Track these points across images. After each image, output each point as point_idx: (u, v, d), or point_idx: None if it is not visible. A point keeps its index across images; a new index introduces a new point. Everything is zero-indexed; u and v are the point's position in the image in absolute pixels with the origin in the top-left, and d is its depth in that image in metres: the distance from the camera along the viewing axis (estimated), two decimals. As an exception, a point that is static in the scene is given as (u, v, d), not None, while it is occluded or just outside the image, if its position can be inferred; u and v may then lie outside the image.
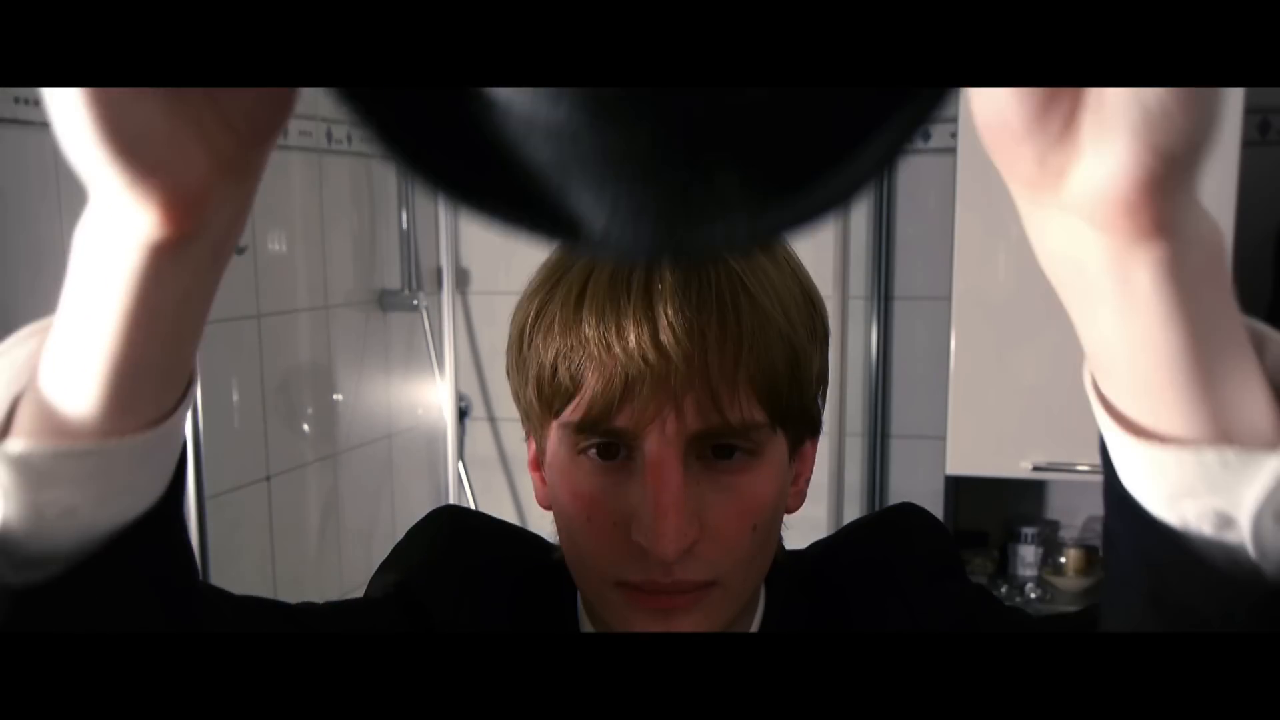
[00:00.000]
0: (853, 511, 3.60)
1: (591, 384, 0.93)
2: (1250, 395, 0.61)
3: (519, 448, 1.09)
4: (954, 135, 3.00)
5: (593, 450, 0.96)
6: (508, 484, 3.94)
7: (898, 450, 3.62)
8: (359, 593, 1.15)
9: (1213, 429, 0.60)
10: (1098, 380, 0.64)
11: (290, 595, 3.18)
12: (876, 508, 3.64)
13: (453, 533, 1.17)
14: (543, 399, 0.98)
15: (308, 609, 1.05)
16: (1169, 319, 0.58)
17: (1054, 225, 0.59)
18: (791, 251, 1.03)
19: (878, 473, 3.63)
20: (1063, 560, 3.40)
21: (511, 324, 1.02)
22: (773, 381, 0.94)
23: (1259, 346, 0.63)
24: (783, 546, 1.12)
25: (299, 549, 3.15)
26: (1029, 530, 3.44)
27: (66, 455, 0.63)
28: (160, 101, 0.54)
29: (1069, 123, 0.53)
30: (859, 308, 3.49)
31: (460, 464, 3.73)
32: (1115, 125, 0.52)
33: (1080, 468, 2.92)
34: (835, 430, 3.36)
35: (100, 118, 0.53)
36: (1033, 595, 3.32)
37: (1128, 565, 0.68)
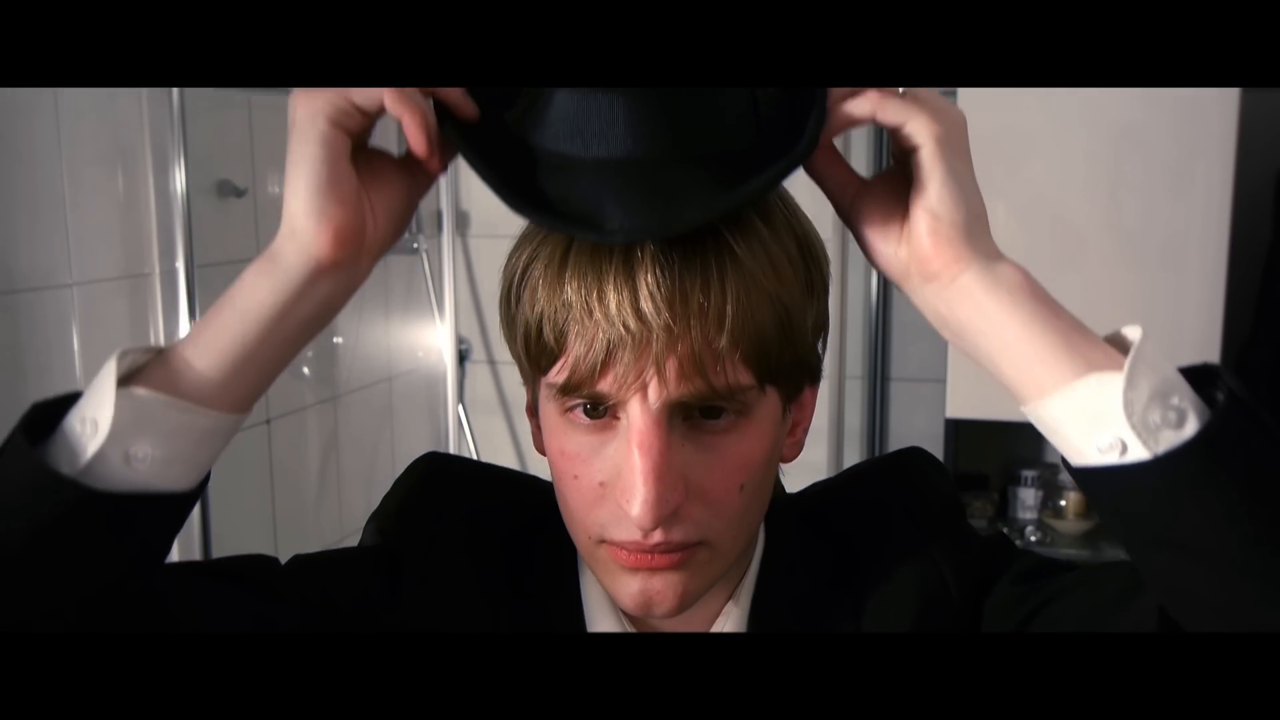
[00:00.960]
0: (853, 455, 3.61)
1: (574, 347, 0.93)
2: (1095, 349, 0.87)
3: (519, 391, 1.09)
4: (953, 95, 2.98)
5: (578, 409, 0.96)
6: (508, 427, 3.94)
7: (898, 393, 3.62)
8: (358, 535, 1.16)
9: (1079, 373, 0.86)
10: (1020, 403, 0.91)
11: (290, 537, 3.17)
12: (877, 451, 3.64)
13: (428, 480, 1.17)
14: (530, 356, 0.98)
15: (271, 576, 1.05)
16: (1009, 312, 0.89)
17: (928, 302, 0.92)
18: (791, 202, 1.02)
19: (878, 416, 3.63)
20: (1063, 503, 3.41)
21: (501, 277, 1.02)
22: (760, 344, 0.94)
23: (1115, 340, 0.89)
24: (781, 487, 1.12)
25: (299, 492, 3.16)
26: (1029, 473, 3.45)
27: (171, 406, 0.88)
28: (361, 179, 0.92)
29: (900, 236, 0.92)
30: (858, 260, 3.49)
31: (460, 407, 3.73)
32: (913, 216, 0.91)
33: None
34: (835, 374, 3.37)
35: (329, 173, 0.89)
36: (1033, 538, 3.33)
37: (1111, 527, 0.89)
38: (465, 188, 3.72)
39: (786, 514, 1.13)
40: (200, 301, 2.57)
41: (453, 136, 0.92)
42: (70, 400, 0.89)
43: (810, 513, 1.15)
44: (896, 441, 3.65)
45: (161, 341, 2.58)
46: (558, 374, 0.95)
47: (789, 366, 0.98)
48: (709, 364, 0.91)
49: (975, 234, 0.90)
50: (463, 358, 3.82)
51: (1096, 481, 0.86)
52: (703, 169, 0.90)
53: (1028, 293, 0.90)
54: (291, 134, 0.91)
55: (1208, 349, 2.91)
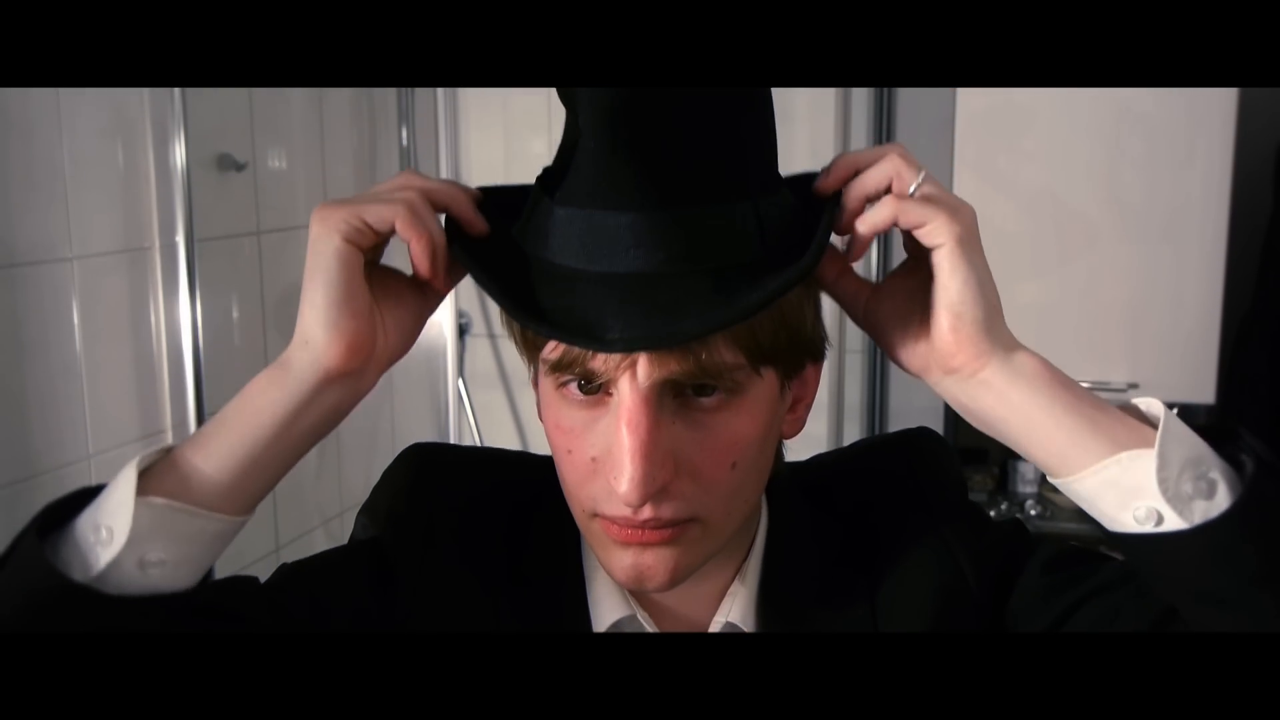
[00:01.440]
0: (853, 428, 3.61)
1: None
2: (1118, 425, 0.92)
3: (519, 364, 1.10)
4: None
5: (572, 385, 0.96)
6: (507, 400, 3.94)
7: (898, 368, 3.61)
8: (357, 509, 1.16)
9: (1107, 452, 0.91)
10: (1051, 477, 0.96)
11: (290, 511, 3.17)
12: (877, 425, 3.64)
13: (417, 474, 1.17)
14: (526, 335, 0.99)
15: (243, 601, 1.04)
16: (1032, 400, 0.93)
17: (949, 392, 0.97)
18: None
19: (878, 390, 3.63)
20: (1062, 477, 3.40)
21: None
22: (750, 326, 0.94)
23: (1129, 410, 0.95)
24: (782, 459, 1.12)
25: (299, 466, 3.14)
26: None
27: (184, 513, 0.92)
28: (374, 294, 0.96)
29: (918, 334, 0.97)
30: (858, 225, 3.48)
31: (460, 380, 3.73)
32: (935, 315, 0.94)
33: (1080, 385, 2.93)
34: (836, 349, 3.36)
35: (344, 287, 0.93)
36: (1032, 512, 3.33)
37: (1152, 582, 0.96)
38: (465, 164, 3.72)
39: (790, 487, 1.13)
40: (200, 275, 2.57)
41: (460, 256, 0.97)
42: (81, 499, 0.93)
43: (815, 486, 1.16)
44: (897, 416, 3.65)
45: (161, 317, 2.58)
46: (551, 351, 0.96)
47: (784, 347, 0.98)
48: (697, 345, 0.92)
49: (995, 328, 0.95)
50: (463, 331, 3.82)
51: (1134, 547, 0.91)
52: (706, 281, 0.92)
53: (1047, 379, 0.94)
54: (310, 248, 0.94)
55: (1208, 322, 2.91)
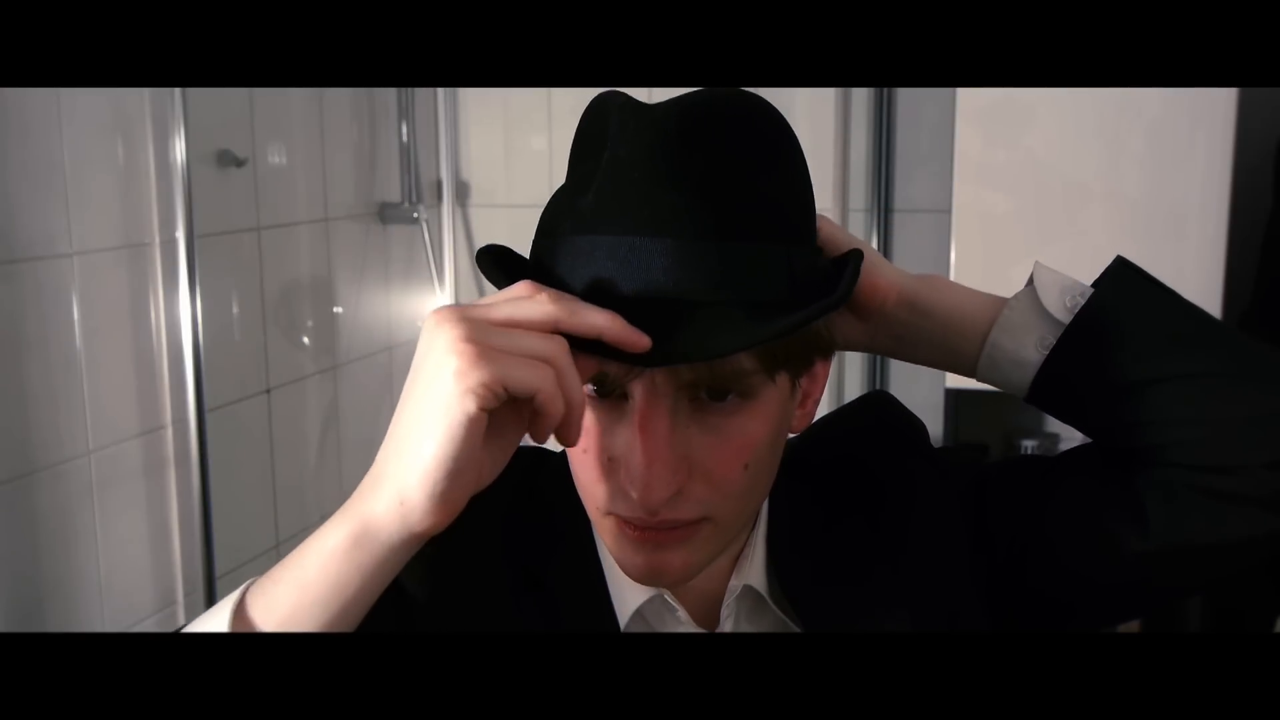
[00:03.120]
0: (852, 425, 3.60)
1: None
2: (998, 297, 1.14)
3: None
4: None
5: (590, 386, 0.97)
6: (508, 397, 3.93)
7: (899, 363, 3.62)
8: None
9: (1000, 303, 1.13)
10: (977, 376, 1.14)
11: (290, 508, 3.17)
12: (876, 421, 3.64)
13: None
14: None
15: None
16: (942, 290, 1.15)
17: (899, 319, 1.14)
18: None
19: (878, 386, 3.63)
20: (1062, 473, 3.40)
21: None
22: None
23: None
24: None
25: (299, 462, 3.17)
26: (1029, 443, 3.45)
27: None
28: (476, 461, 0.86)
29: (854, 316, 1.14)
30: (859, 220, 3.48)
31: (461, 377, 3.72)
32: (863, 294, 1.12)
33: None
34: (836, 344, 3.36)
35: (466, 458, 0.84)
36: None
37: (1096, 428, 1.12)
38: (465, 158, 3.72)
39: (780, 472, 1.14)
40: (200, 271, 2.57)
41: (494, 278, 0.97)
42: None
43: (793, 460, 1.16)
44: (896, 411, 3.65)
45: (161, 312, 2.58)
46: None
47: (797, 350, 0.99)
48: None
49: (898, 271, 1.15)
50: (463, 328, 3.81)
51: (1051, 387, 1.09)
52: (738, 311, 0.92)
53: (943, 279, 1.15)
54: (429, 390, 0.86)
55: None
